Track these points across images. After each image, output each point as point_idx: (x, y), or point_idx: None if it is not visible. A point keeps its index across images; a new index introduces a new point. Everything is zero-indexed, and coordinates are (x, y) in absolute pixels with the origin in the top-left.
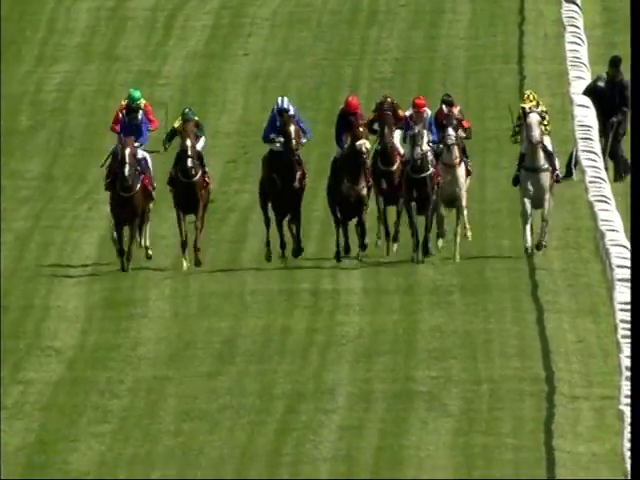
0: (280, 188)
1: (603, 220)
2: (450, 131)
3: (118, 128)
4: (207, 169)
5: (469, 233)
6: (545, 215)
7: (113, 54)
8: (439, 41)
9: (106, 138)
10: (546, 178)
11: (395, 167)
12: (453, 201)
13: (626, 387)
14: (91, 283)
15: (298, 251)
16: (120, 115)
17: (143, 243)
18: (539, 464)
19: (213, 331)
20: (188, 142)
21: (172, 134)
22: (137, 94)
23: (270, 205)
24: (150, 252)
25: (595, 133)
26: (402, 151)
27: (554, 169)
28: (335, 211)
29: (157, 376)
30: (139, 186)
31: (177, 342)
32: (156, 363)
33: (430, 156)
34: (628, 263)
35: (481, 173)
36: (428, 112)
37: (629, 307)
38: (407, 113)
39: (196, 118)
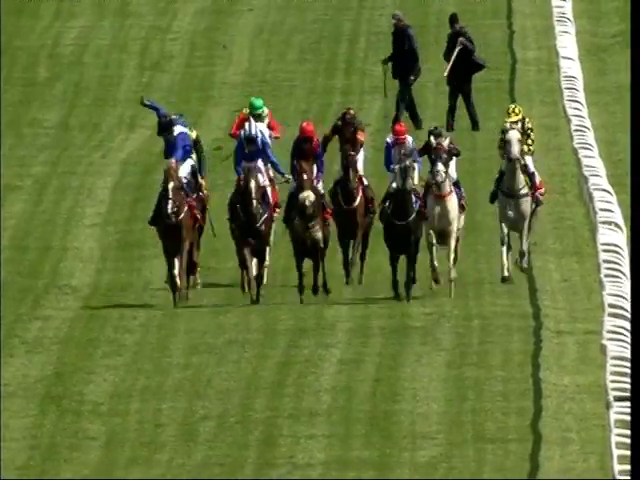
0: (246, 230)
1: (587, 166)
2: (439, 167)
3: (237, 132)
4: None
5: (453, 274)
6: (523, 245)
7: (126, 10)
8: None
9: (119, 89)
10: (526, 204)
11: (357, 204)
12: (443, 236)
13: (608, 323)
14: (105, 225)
15: (257, 298)
16: (238, 121)
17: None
18: (526, 395)
19: (220, 270)
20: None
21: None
22: (259, 102)
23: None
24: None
25: (580, 83)
26: (365, 182)
27: (535, 190)
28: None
29: (167, 312)
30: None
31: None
32: (166, 300)
33: (415, 187)
34: (610, 206)
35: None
36: (409, 139)
37: (611, 248)
38: (388, 140)
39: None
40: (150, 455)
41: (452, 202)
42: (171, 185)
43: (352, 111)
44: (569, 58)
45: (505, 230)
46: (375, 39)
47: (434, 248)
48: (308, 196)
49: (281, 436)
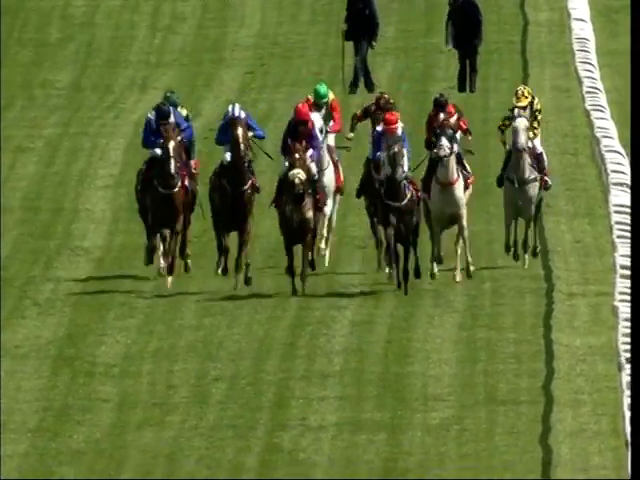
0: (229, 196)
1: (599, 127)
2: (444, 141)
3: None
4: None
5: (472, 267)
6: (528, 237)
7: None
8: None
9: (131, 50)
10: (533, 190)
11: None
12: (452, 222)
13: (620, 284)
14: (117, 187)
15: (246, 281)
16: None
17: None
18: (538, 356)
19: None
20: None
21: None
22: (323, 90)
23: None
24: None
25: (592, 45)
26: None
27: (543, 174)
28: (283, 234)
29: (180, 274)
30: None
31: (198, 243)
32: (179, 262)
33: (408, 175)
34: (622, 168)
35: (484, 85)
36: (400, 129)
37: (623, 209)
38: (378, 128)
39: (181, 111)
40: (162, 417)
41: (459, 189)
42: (172, 144)
43: (387, 95)
44: (581, 19)
45: (510, 220)
46: (386, 0)
47: (440, 240)
48: (298, 173)
49: (293, 398)
